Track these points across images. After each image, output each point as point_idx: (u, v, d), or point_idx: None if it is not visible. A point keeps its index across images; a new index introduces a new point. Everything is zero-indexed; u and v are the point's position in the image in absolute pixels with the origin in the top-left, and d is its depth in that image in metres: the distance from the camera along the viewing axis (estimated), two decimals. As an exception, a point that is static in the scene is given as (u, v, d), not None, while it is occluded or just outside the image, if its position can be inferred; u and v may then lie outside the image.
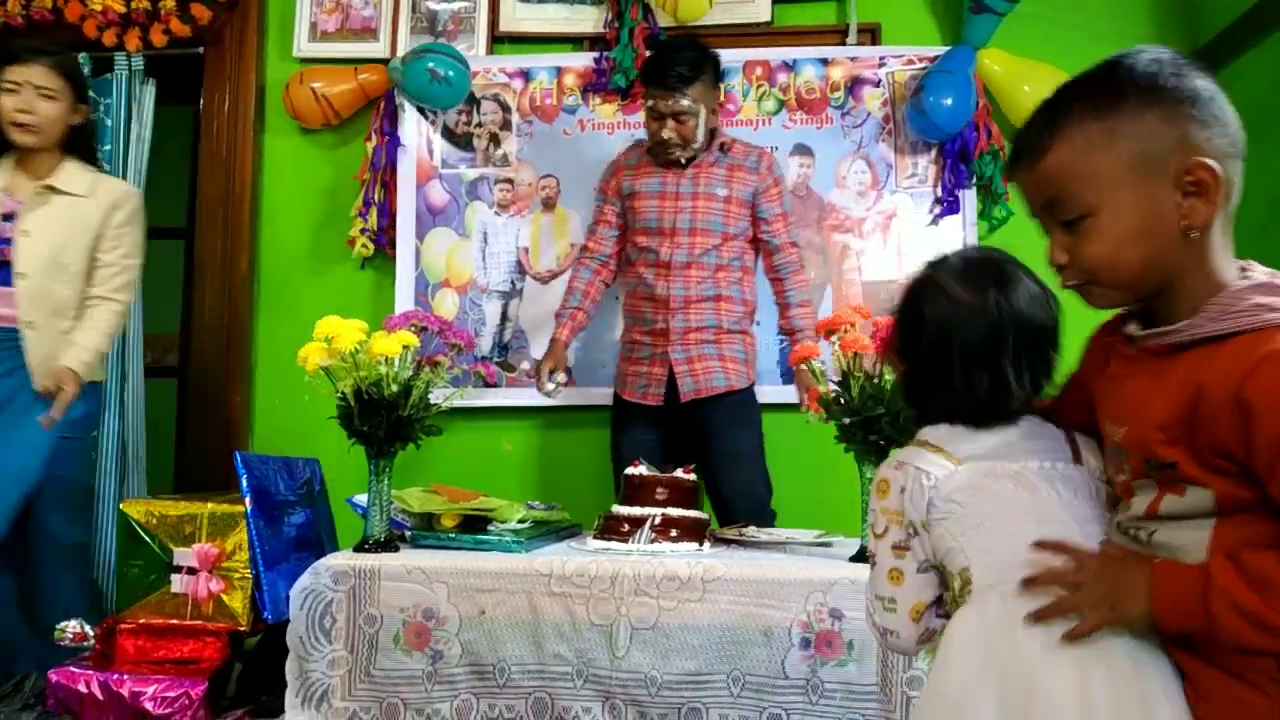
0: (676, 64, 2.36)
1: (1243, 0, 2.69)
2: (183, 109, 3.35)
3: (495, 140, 3.06)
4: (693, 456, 2.39)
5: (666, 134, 2.39)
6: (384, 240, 3.03)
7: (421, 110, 3.04)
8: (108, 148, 3.09)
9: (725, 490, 2.44)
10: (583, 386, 2.95)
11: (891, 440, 1.70)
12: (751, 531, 2.09)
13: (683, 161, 2.46)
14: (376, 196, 3.01)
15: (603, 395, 2.92)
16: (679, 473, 2.01)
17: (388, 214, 3.03)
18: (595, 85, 3.03)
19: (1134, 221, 0.90)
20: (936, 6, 3.04)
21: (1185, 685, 0.87)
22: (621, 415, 2.61)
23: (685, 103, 2.35)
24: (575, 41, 3.11)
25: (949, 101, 2.79)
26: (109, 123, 3.10)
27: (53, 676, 1.85)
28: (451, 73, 2.87)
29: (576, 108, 3.05)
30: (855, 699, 1.61)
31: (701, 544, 1.91)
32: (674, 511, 1.92)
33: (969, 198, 2.93)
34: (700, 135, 2.42)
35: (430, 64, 2.85)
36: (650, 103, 2.41)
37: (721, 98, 2.58)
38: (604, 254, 2.61)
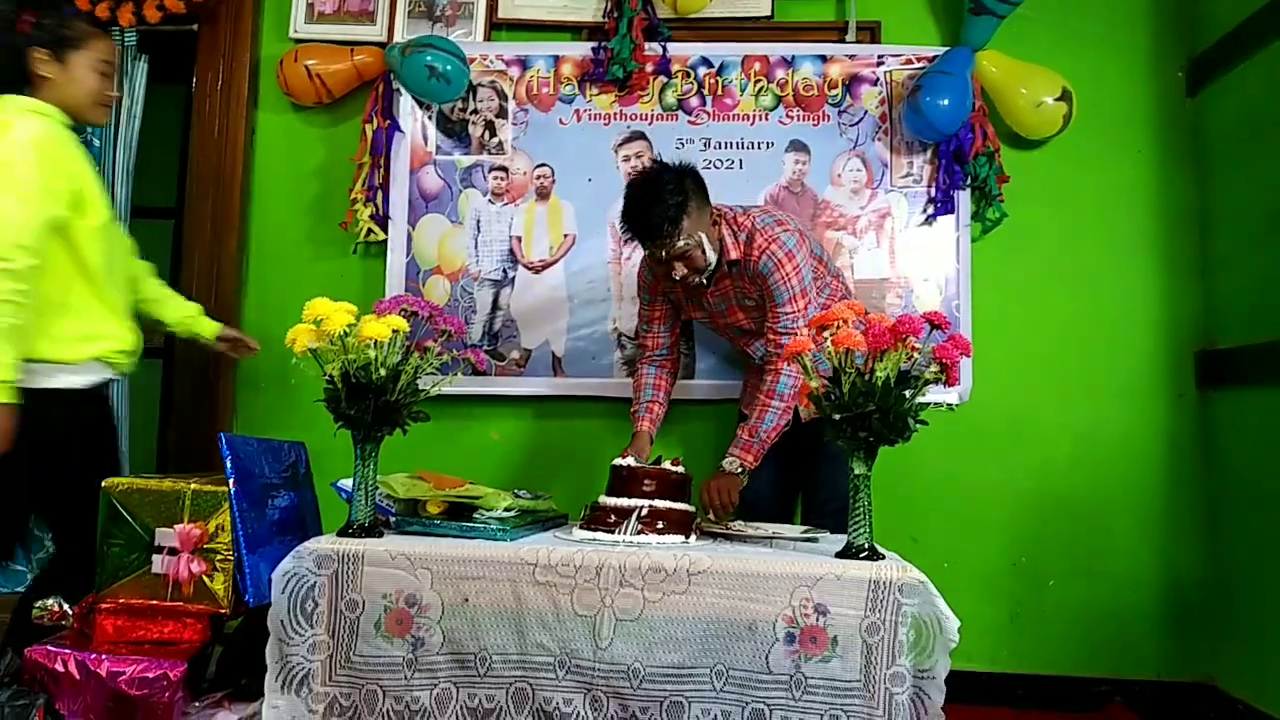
0: (657, 211, 2.16)
1: (1240, 10, 2.70)
2: (174, 87, 3.32)
3: (491, 128, 3.04)
4: (801, 462, 2.40)
5: (678, 275, 2.24)
6: (378, 223, 3.01)
7: (417, 99, 3.02)
8: (99, 124, 3.06)
9: (821, 485, 2.39)
10: (571, 377, 2.95)
11: (881, 437, 1.69)
12: (738, 526, 2.09)
13: (705, 284, 2.32)
14: (378, 180, 2.99)
15: (590, 386, 2.93)
16: (667, 465, 2.00)
17: (382, 198, 3.01)
18: (593, 75, 3.02)
19: None
20: (936, 6, 3.04)
21: None
22: None
23: (681, 243, 2.19)
24: (574, 30, 3.10)
25: (946, 102, 2.78)
26: (100, 98, 3.07)
27: (29, 655, 1.82)
28: (449, 68, 2.85)
29: (573, 97, 3.04)
30: (838, 695, 1.61)
31: (688, 537, 1.91)
32: (661, 503, 1.92)
33: (963, 198, 2.93)
34: (712, 258, 2.26)
35: (429, 59, 2.83)
36: (646, 251, 2.28)
37: (711, 203, 2.30)
38: (664, 350, 2.52)
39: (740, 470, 2.22)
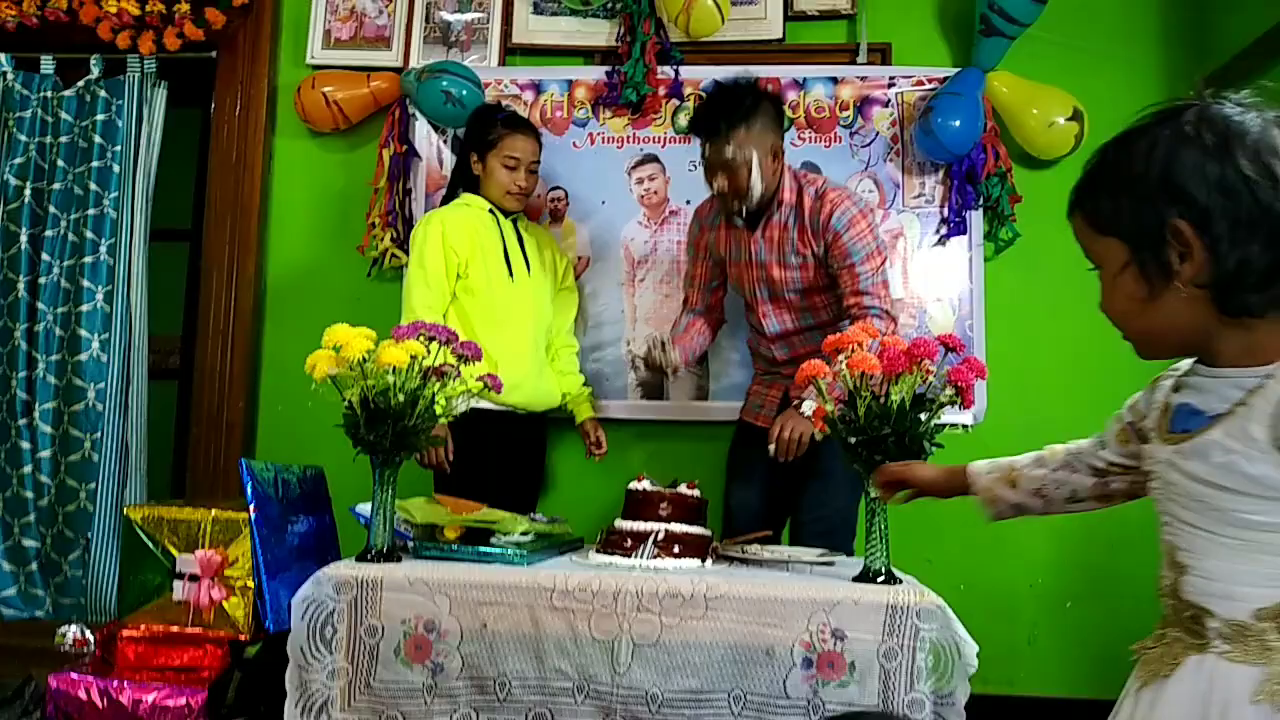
0: (718, 109, 2.17)
1: (1252, 28, 2.70)
2: (190, 110, 3.36)
3: (504, 151, 3.06)
4: (791, 479, 2.37)
5: (717, 185, 2.24)
6: (399, 246, 3.02)
7: (434, 123, 3.05)
8: (117, 149, 3.11)
9: (806, 509, 2.37)
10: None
11: (896, 460, 1.70)
12: (755, 549, 2.09)
13: (746, 216, 2.31)
14: (396, 205, 3.02)
15: (604, 409, 2.92)
16: (683, 488, 2.00)
17: (401, 222, 3.03)
18: (606, 99, 3.04)
19: None
20: (947, 28, 3.06)
21: None
22: (739, 434, 2.61)
23: (728, 151, 2.16)
24: (587, 55, 3.13)
25: (957, 123, 2.79)
26: (119, 124, 3.12)
27: (52, 682, 1.84)
28: (465, 93, 2.88)
29: (587, 121, 3.06)
30: (857, 721, 1.60)
31: (704, 560, 1.91)
32: (677, 527, 1.91)
33: (975, 219, 2.93)
34: (756, 187, 2.21)
35: (445, 85, 2.86)
36: (702, 151, 2.26)
37: (780, 143, 2.27)
38: (702, 307, 2.55)
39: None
